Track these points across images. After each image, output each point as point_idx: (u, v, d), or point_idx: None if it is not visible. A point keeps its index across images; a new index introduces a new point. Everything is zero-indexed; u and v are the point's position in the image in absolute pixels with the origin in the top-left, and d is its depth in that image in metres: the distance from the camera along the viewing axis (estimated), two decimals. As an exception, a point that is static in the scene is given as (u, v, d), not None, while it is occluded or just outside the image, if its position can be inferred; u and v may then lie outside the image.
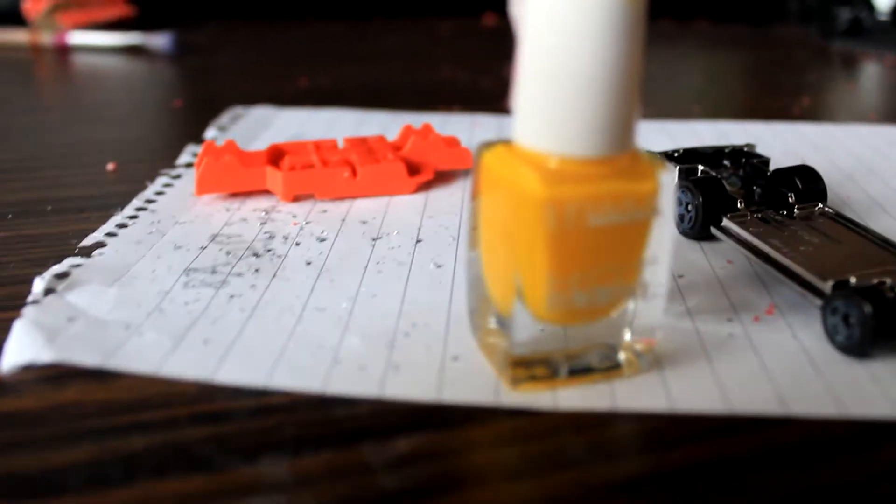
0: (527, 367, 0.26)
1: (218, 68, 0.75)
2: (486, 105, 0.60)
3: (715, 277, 0.33)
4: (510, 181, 0.24)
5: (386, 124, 0.54)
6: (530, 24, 0.23)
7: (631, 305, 0.26)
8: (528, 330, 0.26)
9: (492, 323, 0.27)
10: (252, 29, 0.88)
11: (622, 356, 0.27)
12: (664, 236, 0.25)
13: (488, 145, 0.26)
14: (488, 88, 0.67)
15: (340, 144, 0.44)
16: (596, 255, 0.24)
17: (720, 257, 0.35)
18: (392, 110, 0.58)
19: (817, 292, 0.30)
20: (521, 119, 0.24)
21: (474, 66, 0.76)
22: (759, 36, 0.96)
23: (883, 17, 0.92)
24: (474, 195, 0.26)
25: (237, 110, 0.55)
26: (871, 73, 0.80)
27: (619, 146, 0.24)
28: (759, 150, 0.43)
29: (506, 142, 0.25)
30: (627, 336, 0.27)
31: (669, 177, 0.25)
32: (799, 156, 0.49)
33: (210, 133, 0.51)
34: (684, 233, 0.37)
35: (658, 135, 0.53)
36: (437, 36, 0.95)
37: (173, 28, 0.84)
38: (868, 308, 0.27)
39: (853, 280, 0.29)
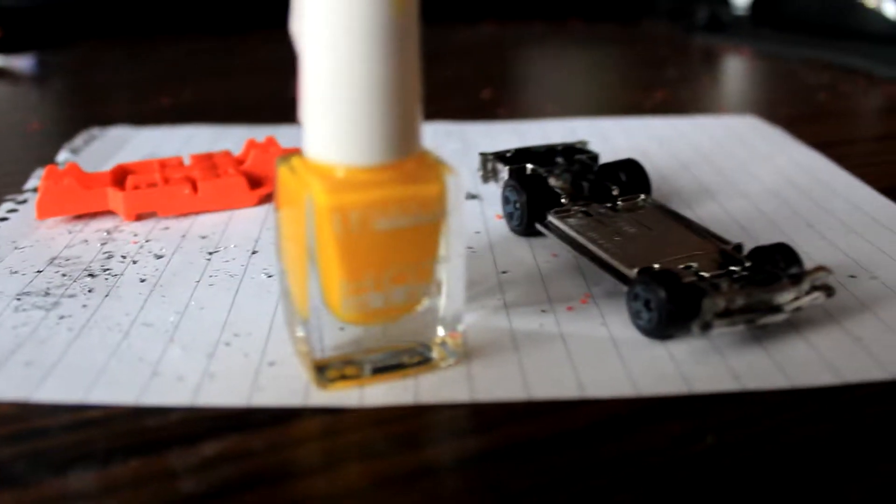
0: (338, 367, 0.27)
1: (82, 89, 0.74)
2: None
3: (537, 271, 0.35)
4: (300, 192, 0.25)
5: (243, 139, 0.54)
6: (306, 41, 0.24)
7: (441, 302, 0.27)
8: (327, 333, 0.26)
9: (300, 330, 0.27)
10: (122, 48, 0.88)
11: (432, 352, 0.28)
12: (454, 235, 0.26)
13: (285, 158, 0.27)
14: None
15: (187, 161, 0.44)
16: (386, 257, 0.25)
17: (547, 252, 0.37)
18: (254, 125, 0.59)
19: (625, 279, 0.31)
20: (309, 132, 0.25)
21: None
22: (627, 33, 0.99)
23: (741, 13, 0.95)
24: (276, 208, 0.27)
25: (93, 132, 0.55)
26: (727, 66, 0.83)
27: (402, 152, 0.25)
28: (606, 145, 0.45)
29: (300, 154, 0.26)
30: (439, 332, 0.28)
31: (455, 179, 0.26)
32: (641, 149, 0.51)
33: (62, 156, 0.51)
34: (514, 230, 0.38)
35: (510, 135, 0.55)
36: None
37: (41, 49, 0.83)
38: (662, 293, 0.29)
39: (657, 266, 0.31)
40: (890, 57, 0.78)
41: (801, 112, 0.64)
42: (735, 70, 0.82)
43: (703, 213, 0.41)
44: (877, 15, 0.84)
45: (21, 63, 0.78)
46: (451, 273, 0.27)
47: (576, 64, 0.83)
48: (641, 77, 0.78)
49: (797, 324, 0.31)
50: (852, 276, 0.35)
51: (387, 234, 0.25)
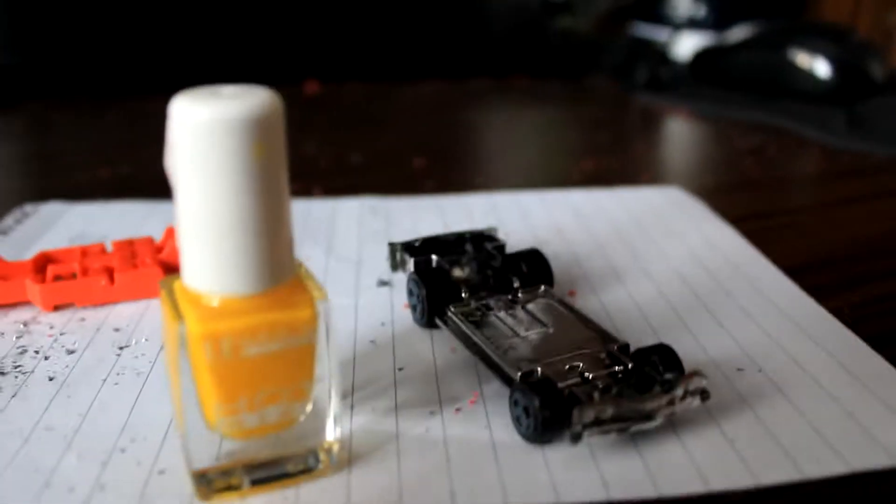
0: (223, 478, 0.28)
1: (27, 158, 0.75)
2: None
3: (433, 368, 0.36)
4: (175, 319, 0.26)
5: (173, 217, 0.55)
6: (179, 178, 0.25)
7: (329, 409, 0.29)
8: (208, 443, 0.28)
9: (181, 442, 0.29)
10: (67, 112, 0.89)
11: (318, 458, 0.29)
12: (326, 357, 0.28)
13: (168, 281, 0.28)
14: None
15: (109, 248, 0.45)
16: (259, 380, 0.27)
17: (447, 346, 0.38)
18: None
19: (510, 382, 0.32)
20: (186, 263, 0.26)
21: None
22: (569, 91, 1.00)
23: (681, 68, 0.97)
24: (163, 326, 0.28)
25: (26, 209, 0.56)
26: (662, 128, 0.85)
27: (274, 280, 0.26)
28: (525, 223, 0.46)
29: (178, 280, 0.27)
30: (324, 439, 0.29)
31: (325, 305, 0.27)
32: (558, 226, 0.53)
33: (-9, 237, 0.52)
34: (417, 322, 0.40)
35: (432, 212, 0.56)
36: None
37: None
38: (537, 401, 0.30)
39: (539, 370, 0.32)
40: (820, 117, 0.80)
41: (725, 180, 0.65)
42: (670, 133, 0.84)
43: (608, 300, 0.42)
44: (808, 75, 0.86)
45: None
46: (325, 391, 0.28)
47: (513, 127, 0.84)
48: (574, 143, 0.80)
49: (677, 425, 0.32)
50: (740, 370, 0.36)
51: (258, 358, 0.26)
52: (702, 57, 0.96)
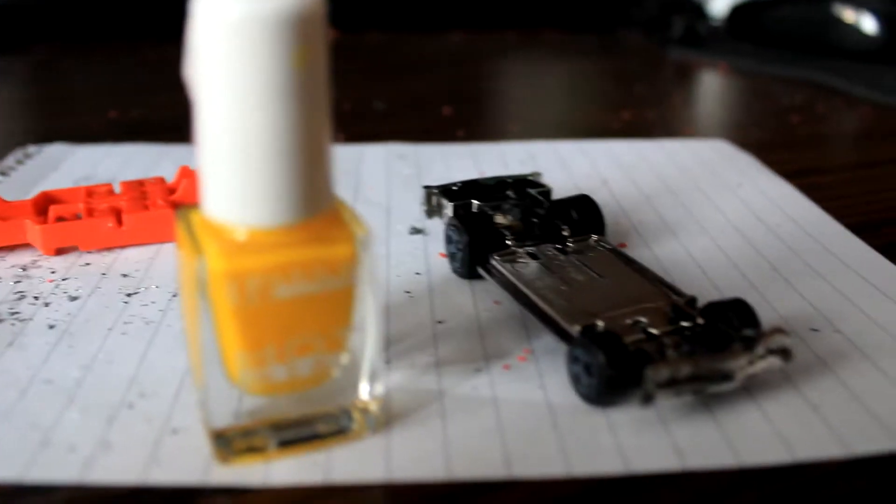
0: (245, 438, 0.25)
1: (31, 100, 0.71)
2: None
3: (476, 322, 0.32)
4: (194, 253, 0.22)
5: (187, 159, 0.51)
6: (203, 90, 0.21)
7: (363, 364, 0.25)
8: (230, 399, 0.24)
9: (199, 398, 0.25)
10: (78, 55, 0.85)
11: (351, 419, 0.25)
12: (370, 301, 0.24)
13: (186, 212, 0.24)
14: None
15: (117, 189, 0.41)
16: (289, 327, 0.23)
17: (489, 298, 0.34)
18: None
19: (567, 337, 0.29)
20: (207, 190, 0.22)
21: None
22: (601, 45, 0.96)
23: (718, 24, 0.93)
24: (179, 265, 0.25)
25: (29, 149, 0.53)
26: (701, 83, 0.81)
27: (308, 210, 0.23)
28: (565, 172, 0.42)
29: (199, 210, 0.24)
30: (358, 397, 0.25)
31: (368, 239, 0.23)
32: (602, 177, 0.49)
33: (-8, 177, 0.48)
34: (456, 272, 0.36)
35: (466, 159, 0.53)
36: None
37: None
38: (602, 357, 0.26)
39: (600, 324, 0.28)
40: (868, 76, 0.75)
41: (773, 136, 0.61)
42: (708, 88, 0.80)
43: (662, 254, 0.39)
44: (854, 30, 0.81)
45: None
46: (365, 343, 0.24)
47: (544, 79, 0.80)
48: (610, 95, 0.76)
49: (752, 389, 0.28)
50: (814, 330, 0.32)
51: (289, 301, 0.22)
52: (740, 11, 0.92)
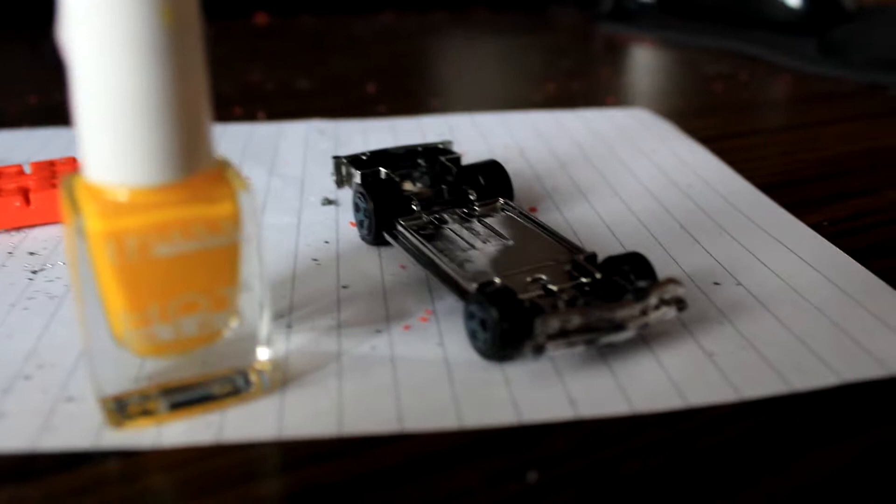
0: (139, 402, 0.25)
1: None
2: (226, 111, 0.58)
3: (381, 286, 0.32)
4: (76, 216, 0.22)
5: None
6: (74, 51, 0.21)
7: (263, 327, 0.25)
8: (121, 363, 0.24)
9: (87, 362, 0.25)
10: (10, 40, 0.83)
11: (249, 380, 0.25)
12: (254, 259, 0.24)
13: (69, 178, 0.24)
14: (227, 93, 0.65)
15: (27, 169, 0.41)
16: (172, 285, 0.23)
17: (396, 263, 0.34)
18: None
19: (465, 295, 0.29)
20: (85, 152, 0.22)
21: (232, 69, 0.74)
22: (531, 22, 0.97)
23: (646, 1, 0.94)
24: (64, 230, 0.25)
25: (-56, 135, 0.52)
26: (627, 56, 0.82)
27: (188, 168, 0.22)
28: (484, 143, 0.43)
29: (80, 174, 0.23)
30: (256, 359, 0.25)
31: (250, 197, 0.23)
32: (520, 146, 0.50)
33: None
34: (364, 239, 0.36)
35: (385, 133, 0.53)
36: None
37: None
38: (495, 312, 0.26)
39: (497, 281, 0.29)
40: (790, 45, 0.76)
41: (695, 103, 0.62)
42: (634, 60, 0.80)
43: (572, 216, 0.39)
44: (780, 4, 0.82)
45: None
46: (252, 299, 0.24)
47: (471, 56, 0.80)
48: (537, 69, 0.76)
49: (650, 339, 0.29)
50: (717, 284, 0.33)
51: (171, 260, 0.22)
52: (668, -13, 0.93)
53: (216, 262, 0.23)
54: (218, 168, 0.24)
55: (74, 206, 0.22)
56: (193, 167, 0.23)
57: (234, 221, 0.23)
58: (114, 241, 0.22)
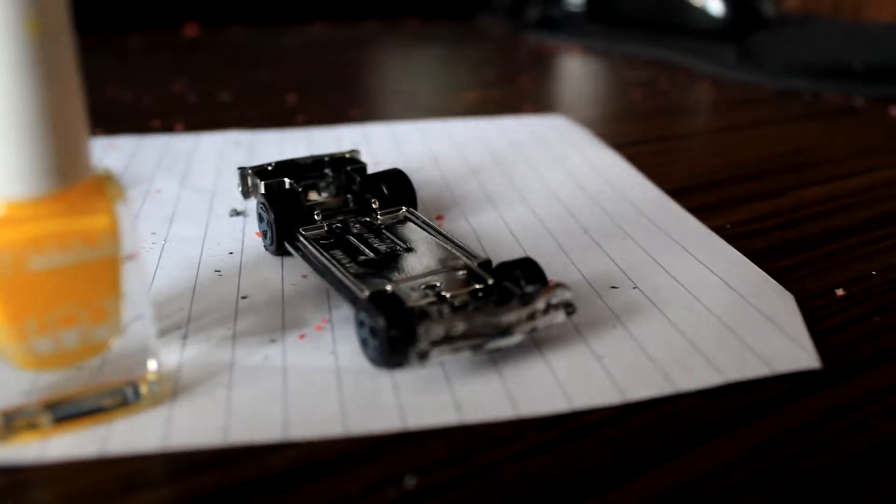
0: (27, 416, 0.25)
1: None
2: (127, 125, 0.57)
3: (280, 296, 0.33)
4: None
5: None
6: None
7: (151, 340, 0.25)
8: (12, 382, 0.24)
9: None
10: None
11: (135, 393, 0.25)
12: (134, 271, 0.24)
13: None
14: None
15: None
16: (49, 299, 0.23)
17: (298, 273, 0.34)
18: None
19: (358, 303, 0.29)
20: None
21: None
22: (460, 31, 0.97)
23: (575, 9, 0.95)
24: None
25: None
26: (551, 64, 0.83)
27: (62, 180, 0.23)
28: (397, 151, 0.43)
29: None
30: (145, 369, 0.26)
31: (126, 209, 0.23)
32: (433, 154, 0.50)
33: None
34: (267, 249, 0.36)
35: (299, 144, 0.53)
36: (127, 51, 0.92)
37: None
38: (382, 320, 0.27)
39: (388, 289, 0.29)
40: (710, 52, 0.78)
41: (613, 110, 0.63)
42: (558, 69, 0.81)
43: (478, 224, 0.39)
44: (702, 12, 0.84)
45: None
46: (134, 310, 0.24)
47: (396, 66, 0.81)
48: (460, 78, 0.77)
49: (542, 344, 0.29)
50: (614, 287, 0.33)
51: (47, 273, 0.22)
52: (594, -4, 0.94)
53: (94, 274, 0.23)
54: (96, 180, 0.24)
55: (-53, 220, 0.22)
56: (69, 179, 0.23)
57: (112, 234, 0.23)
58: (-15, 255, 0.22)
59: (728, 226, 0.40)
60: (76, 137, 0.23)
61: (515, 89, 0.70)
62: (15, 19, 0.21)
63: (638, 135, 0.56)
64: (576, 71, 0.80)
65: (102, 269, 0.24)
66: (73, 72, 0.22)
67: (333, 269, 0.31)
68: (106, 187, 0.24)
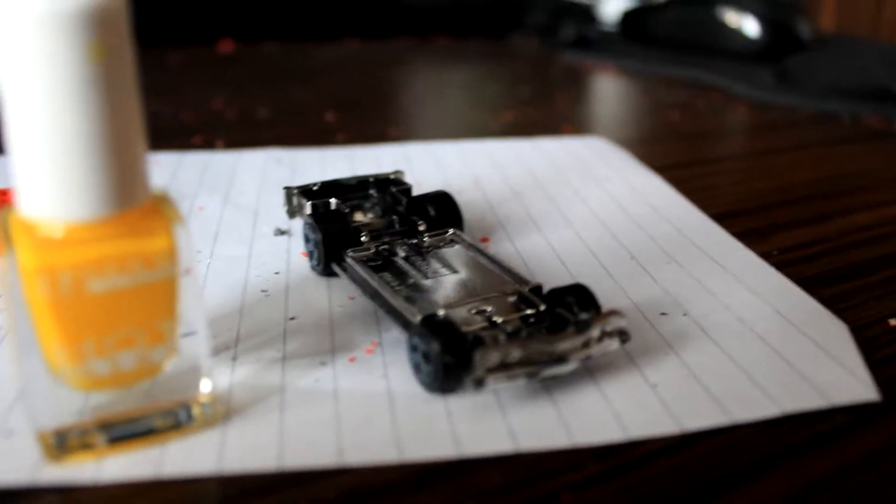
0: (79, 436, 0.25)
1: None
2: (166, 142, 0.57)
3: (328, 317, 0.32)
4: (9, 251, 0.22)
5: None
6: (5, 87, 0.21)
7: (204, 361, 0.25)
8: (59, 396, 0.24)
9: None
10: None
11: (191, 413, 0.25)
12: (190, 293, 0.24)
13: (5, 213, 0.24)
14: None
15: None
16: (107, 321, 0.23)
17: (345, 294, 0.34)
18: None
19: (409, 327, 0.29)
20: (21, 188, 0.22)
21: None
22: (493, 50, 0.97)
23: (609, 29, 0.95)
24: None
25: None
26: (587, 84, 0.82)
27: (122, 203, 0.23)
28: (438, 172, 0.43)
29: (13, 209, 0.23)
30: (199, 392, 0.25)
31: (185, 231, 0.23)
32: (475, 175, 0.50)
33: None
34: (314, 269, 0.36)
35: (342, 161, 0.53)
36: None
37: None
38: (437, 345, 0.26)
39: (441, 314, 0.29)
40: (748, 74, 0.78)
41: (651, 132, 0.63)
42: (594, 88, 0.81)
43: (523, 247, 0.39)
44: (737, 33, 0.84)
45: None
46: (188, 329, 0.24)
47: (431, 84, 0.81)
48: (495, 97, 0.76)
49: (595, 371, 0.29)
50: (664, 314, 0.33)
51: (105, 295, 0.22)
52: (630, 16, 0.94)
53: (152, 296, 0.23)
54: (154, 201, 0.24)
55: (8, 241, 0.22)
56: (128, 201, 0.23)
57: (170, 255, 0.23)
58: (47, 277, 0.22)
59: (775, 252, 0.39)
60: (136, 159, 0.23)
61: (551, 109, 0.70)
62: (79, 42, 0.21)
63: (677, 157, 0.55)
64: (611, 91, 0.80)
65: (160, 292, 0.23)
66: (133, 93, 0.22)
67: (383, 291, 0.31)
68: (164, 209, 0.24)
